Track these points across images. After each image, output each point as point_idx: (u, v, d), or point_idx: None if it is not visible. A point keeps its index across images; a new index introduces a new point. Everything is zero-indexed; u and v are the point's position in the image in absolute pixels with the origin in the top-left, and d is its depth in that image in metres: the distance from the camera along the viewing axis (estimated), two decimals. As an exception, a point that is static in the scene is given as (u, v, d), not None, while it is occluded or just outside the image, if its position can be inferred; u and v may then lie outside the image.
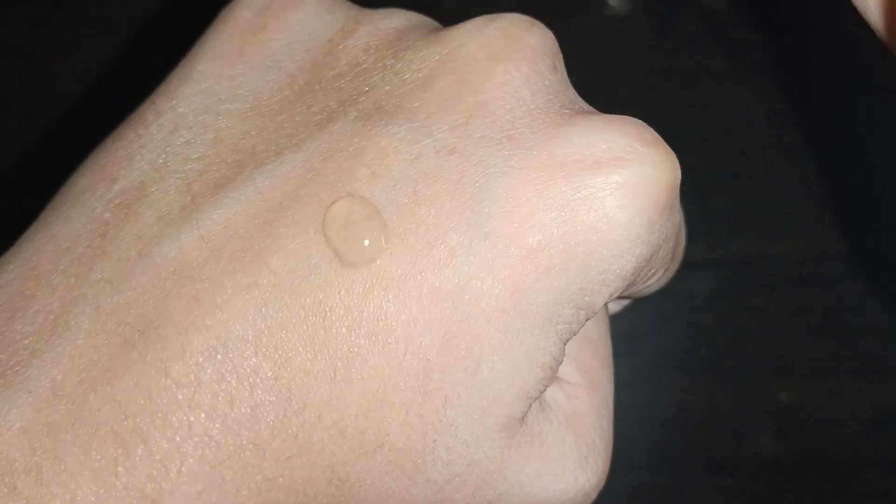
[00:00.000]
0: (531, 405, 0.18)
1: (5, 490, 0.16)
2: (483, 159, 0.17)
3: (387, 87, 0.19)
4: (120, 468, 0.16)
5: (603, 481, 0.20)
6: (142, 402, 0.16)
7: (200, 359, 0.17)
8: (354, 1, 0.22)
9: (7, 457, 0.16)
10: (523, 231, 0.17)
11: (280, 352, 0.17)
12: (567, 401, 0.20)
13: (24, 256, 0.18)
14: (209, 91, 0.19)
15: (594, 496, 0.20)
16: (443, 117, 0.18)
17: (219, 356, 0.17)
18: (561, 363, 0.18)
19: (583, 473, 0.19)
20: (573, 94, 0.19)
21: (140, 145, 0.19)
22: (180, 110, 0.19)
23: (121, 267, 0.17)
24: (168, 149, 0.19)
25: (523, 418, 0.18)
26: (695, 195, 0.31)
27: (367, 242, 0.17)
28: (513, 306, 0.17)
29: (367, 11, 0.21)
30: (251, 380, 0.17)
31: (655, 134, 0.18)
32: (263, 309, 0.17)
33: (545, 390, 0.18)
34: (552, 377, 0.18)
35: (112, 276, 0.17)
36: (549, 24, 0.20)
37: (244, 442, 0.17)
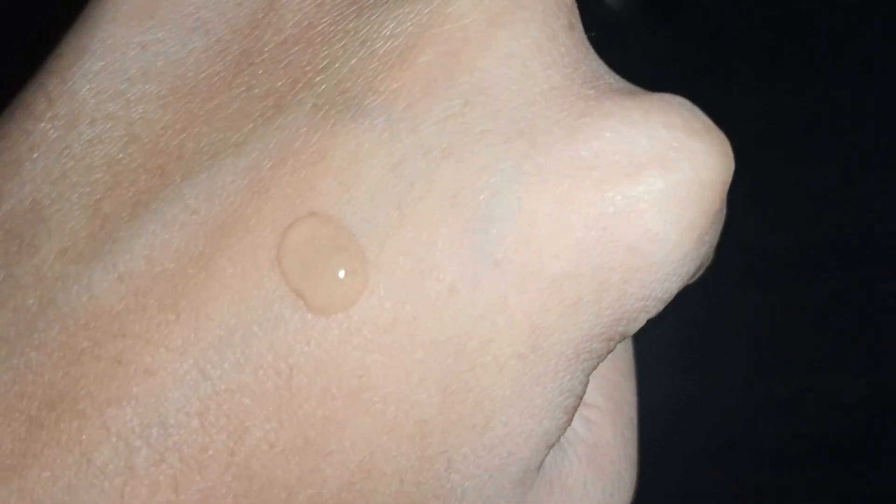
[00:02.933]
0: (549, 450, 0.15)
1: None
2: (488, 163, 0.13)
3: (352, 62, 0.14)
4: None
5: None
6: (60, 496, 0.13)
7: (131, 438, 0.13)
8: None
9: None
10: (543, 257, 0.13)
11: (235, 423, 0.13)
12: (587, 431, 0.17)
13: None
14: (115, 67, 0.15)
15: None
16: (430, 105, 0.14)
17: (154, 432, 0.13)
18: (583, 395, 0.15)
19: None
20: (595, 61, 0.15)
21: (29, 147, 0.14)
22: (79, 96, 0.14)
23: (17, 320, 0.13)
24: (66, 152, 0.14)
25: (540, 466, 0.15)
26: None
27: (340, 278, 0.13)
28: (531, 350, 0.14)
29: None
30: (200, 459, 0.13)
31: (706, 119, 0.14)
32: (209, 369, 0.13)
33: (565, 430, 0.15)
34: (573, 415, 0.15)
35: (6, 333, 0.13)
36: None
37: None
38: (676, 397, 0.33)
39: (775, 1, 0.37)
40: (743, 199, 0.34)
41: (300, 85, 0.14)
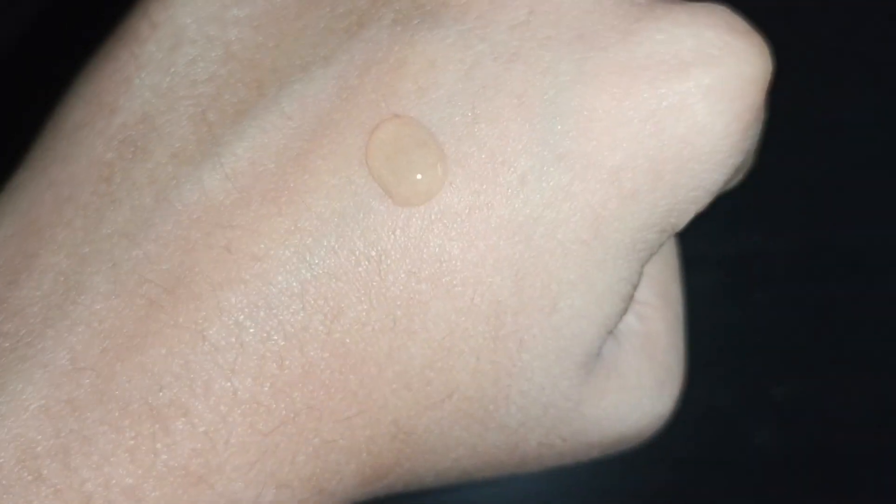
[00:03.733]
0: (607, 337, 0.16)
1: (29, 478, 0.14)
2: (551, 65, 0.15)
3: None
4: (159, 445, 0.14)
5: (678, 402, 0.19)
6: (177, 370, 0.14)
7: (241, 317, 0.14)
8: None
9: (27, 440, 0.14)
10: (603, 149, 0.15)
11: (331, 304, 0.15)
12: (640, 324, 0.18)
13: (20, 208, 0.16)
14: None
15: (668, 418, 0.18)
16: (498, 16, 0.15)
17: (261, 313, 0.14)
18: (637, 286, 0.16)
19: (659, 400, 0.18)
20: None
21: (137, 66, 0.16)
22: (180, 21, 0.16)
23: (135, 216, 0.15)
24: (172, 70, 0.16)
25: (599, 352, 0.17)
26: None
27: (420, 173, 0.15)
28: (593, 236, 0.15)
29: None
30: (301, 337, 0.15)
31: (745, 23, 0.16)
32: (308, 256, 0.15)
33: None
34: (629, 304, 0.16)
35: (126, 227, 0.15)
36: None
37: (298, 405, 0.15)
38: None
39: (774, 3, 0.38)
40: (739, 201, 0.34)
41: (380, 3, 0.16)
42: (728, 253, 0.33)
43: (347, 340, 0.15)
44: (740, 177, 0.18)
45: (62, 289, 0.15)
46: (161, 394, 0.14)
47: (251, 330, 0.14)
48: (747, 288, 0.33)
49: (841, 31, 0.36)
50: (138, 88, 0.16)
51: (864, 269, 0.33)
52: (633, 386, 0.17)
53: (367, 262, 0.15)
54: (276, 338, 0.15)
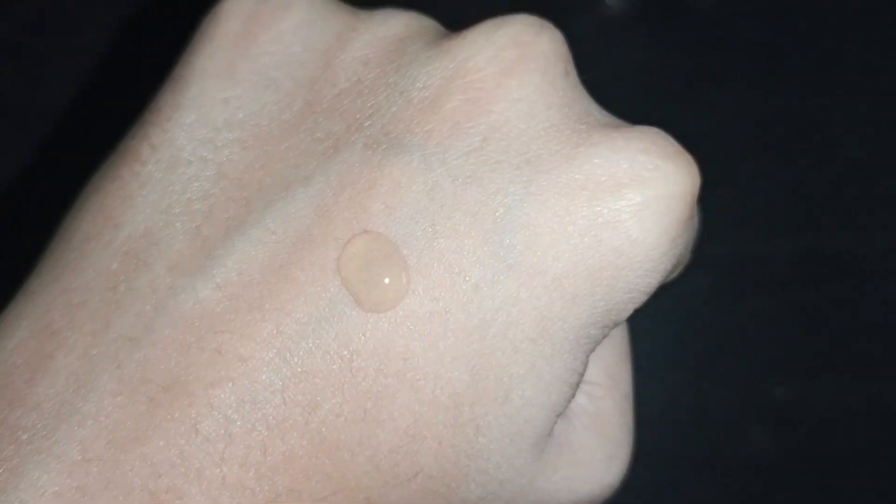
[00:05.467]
0: (558, 419, 0.18)
1: None
2: (502, 187, 0.17)
3: (393, 109, 0.18)
4: None
5: (626, 472, 0.20)
6: (174, 459, 0.16)
7: (229, 412, 0.16)
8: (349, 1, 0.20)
9: None
10: (547, 260, 0.17)
11: (308, 398, 0.17)
12: (590, 403, 0.20)
13: (36, 312, 0.18)
14: (204, 119, 0.18)
15: (617, 487, 0.20)
16: (456, 143, 0.17)
17: (247, 407, 0.16)
18: (584, 373, 0.18)
19: (608, 472, 0.20)
20: (587, 100, 0.18)
21: (139, 185, 0.18)
22: (177, 143, 0.18)
23: (138, 322, 0.17)
24: (170, 188, 0.18)
25: (551, 432, 0.18)
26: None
27: (387, 282, 0.17)
28: (540, 335, 0.17)
29: (363, 15, 0.20)
30: (282, 427, 0.17)
31: (676, 144, 0.18)
32: (288, 357, 0.17)
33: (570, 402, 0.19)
34: (577, 388, 0.18)
35: (130, 332, 0.17)
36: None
37: (280, 488, 0.17)
38: (670, 405, 0.33)
39: (772, 5, 0.38)
40: (736, 205, 0.35)
41: (353, 129, 0.18)
42: (726, 255, 0.34)
43: (323, 430, 0.17)
44: (680, 269, 0.20)
45: (73, 387, 0.17)
46: (160, 480, 0.16)
47: (238, 423, 0.16)
48: (745, 290, 0.34)
49: (837, 37, 0.36)
50: (140, 205, 0.18)
51: (860, 273, 0.34)
52: (584, 460, 0.19)
53: (340, 361, 0.17)
54: (260, 429, 0.16)
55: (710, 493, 0.32)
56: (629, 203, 0.17)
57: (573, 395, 0.18)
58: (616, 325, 0.18)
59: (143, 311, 0.17)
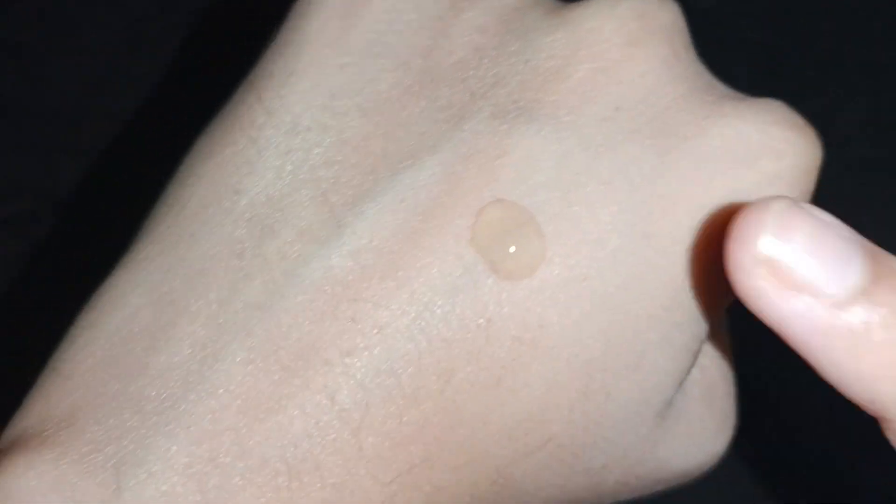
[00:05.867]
0: (678, 389, 0.19)
1: None
2: (636, 156, 0.17)
3: (518, 78, 0.18)
4: (294, 497, 0.16)
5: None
6: (310, 429, 0.16)
7: (366, 381, 0.16)
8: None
9: (176, 496, 0.16)
10: (682, 230, 0.17)
11: (443, 366, 0.16)
12: (701, 375, 0.20)
13: (151, 280, 0.17)
14: (320, 85, 0.18)
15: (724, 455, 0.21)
16: (588, 111, 0.17)
17: (383, 376, 0.16)
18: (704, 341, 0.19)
19: (718, 441, 0.20)
20: (707, 74, 0.19)
21: (257, 151, 0.18)
22: (294, 109, 0.18)
23: (267, 290, 0.17)
24: (291, 155, 0.17)
25: (672, 401, 0.19)
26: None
27: (523, 250, 0.17)
28: (674, 303, 0.17)
29: None
30: (417, 396, 0.16)
31: (801, 118, 0.18)
32: (424, 324, 0.16)
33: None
34: (696, 359, 0.19)
35: (259, 300, 0.16)
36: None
37: (414, 458, 0.17)
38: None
39: (772, 5, 0.38)
40: None
41: (477, 97, 0.18)
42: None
43: (458, 398, 0.17)
44: None
45: (200, 355, 0.16)
46: (295, 450, 0.16)
47: (375, 392, 0.16)
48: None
49: (837, 37, 0.36)
50: (261, 171, 0.17)
51: None
52: (698, 430, 0.20)
53: (475, 329, 0.17)
54: (396, 398, 0.16)
55: (710, 491, 0.33)
56: (763, 174, 0.17)
57: (694, 363, 0.18)
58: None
59: (273, 278, 0.17)
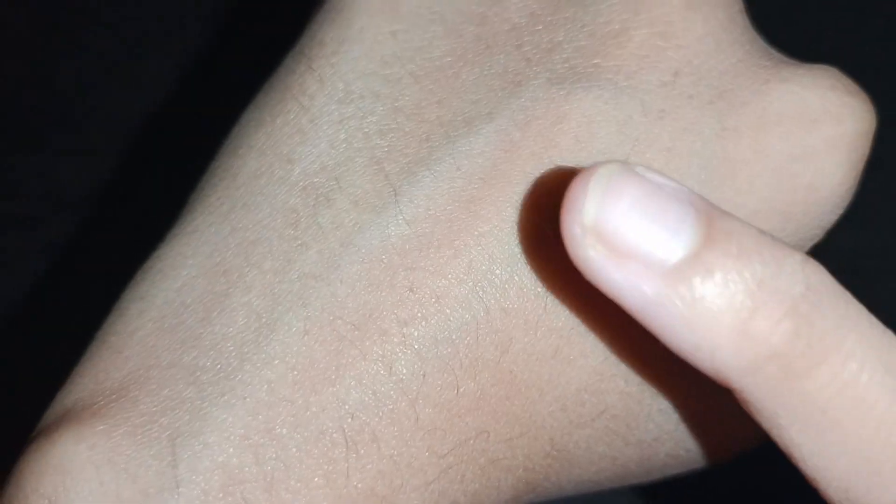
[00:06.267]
0: None
1: (233, 503, 0.15)
2: (696, 121, 0.17)
3: (576, 44, 0.17)
4: (351, 469, 0.16)
5: None
6: (367, 400, 0.16)
7: (423, 351, 0.16)
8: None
9: (231, 467, 0.15)
10: (742, 194, 0.17)
11: (501, 336, 0.16)
12: None
13: (202, 251, 0.17)
14: (372, 53, 0.18)
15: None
16: (647, 76, 0.17)
17: (441, 346, 0.16)
18: None
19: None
20: (759, 38, 0.18)
21: (309, 119, 0.17)
22: (346, 77, 0.17)
23: (323, 259, 0.16)
24: (344, 123, 0.17)
25: None
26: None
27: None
28: None
29: None
30: (474, 367, 0.16)
31: (856, 84, 0.18)
32: (482, 294, 0.16)
33: None
34: None
35: (315, 269, 0.16)
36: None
37: (470, 429, 0.16)
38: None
39: (772, 5, 0.39)
40: None
41: (534, 63, 0.17)
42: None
43: (514, 369, 0.16)
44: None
45: (255, 325, 0.16)
46: (352, 421, 0.16)
47: (432, 362, 0.16)
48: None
49: (837, 37, 0.36)
50: (314, 139, 0.17)
51: (860, 272, 0.32)
52: None
53: (534, 298, 0.16)
54: (453, 368, 0.16)
55: (708, 491, 0.33)
56: (823, 138, 0.17)
57: None
58: None
59: (328, 247, 0.16)
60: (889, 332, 0.13)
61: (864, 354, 0.13)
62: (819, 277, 0.13)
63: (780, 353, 0.13)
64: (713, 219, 0.13)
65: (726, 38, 0.17)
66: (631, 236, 0.13)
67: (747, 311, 0.13)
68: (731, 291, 0.13)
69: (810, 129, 0.17)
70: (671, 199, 0.13)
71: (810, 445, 0.13)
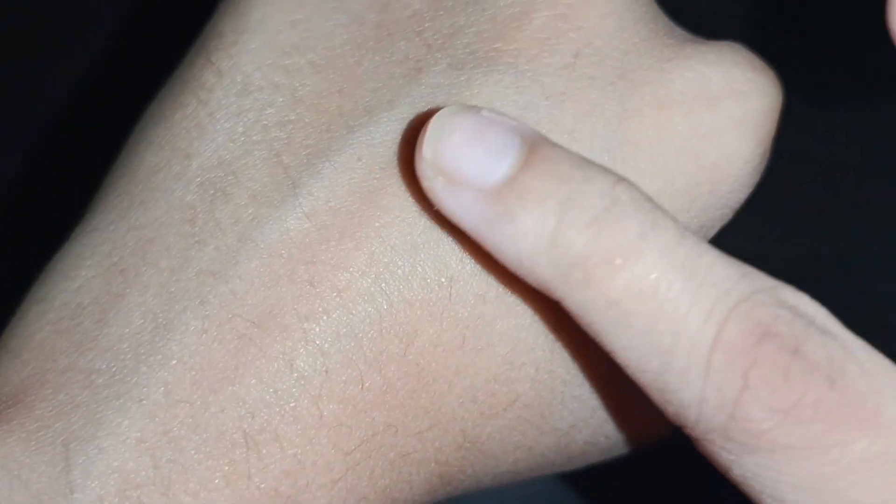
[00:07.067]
0: None
1: None
2: (598, 103, 0.16)
3: (476, 28, 0.17)
4: (252, 469, 0.15)
5: None
6: (268, 398, 0.15)
7: (326, 346, 0.16)
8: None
9: (127, 471, 0.15)
10: (646, 177, 0.16)
11: (406, 328, 0.16)
12: None
13: (101, 250, 0.16)
14: (272, 43, 0.17)
15: None
16: (548, 59, 0.17)
17: (344, 341, 0.16)
18: None
19: None
20: (665, 17, 0.18)
21: (208, 113, 0.17)
22: (245, 69, 0.17)
23: (220, 256, 0.16)
24: (243, 116, 0.17)
25: None
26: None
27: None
28: None
29: None
30: (379, 360, 0.16)
31: (761, 60, 0.17)
32: (384, 286, 0.16)
33: None
34: None
35: (212, 266, 0.16)
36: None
37: (377, 424, 0.16)
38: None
39: (772, 5, 0.38)
40: (738, 210, 0.35)
41: (435, 49, 0.17)
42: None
43: (421, 361, 0.16)
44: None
45: (151, 326, 0.16)
46: (253, 421, 0.15)
47: (335, 357, 0.16)
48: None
49: (838, 38, 0.36)
50: (211, 134, 0.17)
51: (858, 275, 0.34)
52: None
53: (438, 288, 0.16)
54: (357, 363, 0.16)
55: (708, 490, 0.33)
56: (727, 115, 0.17)
57: None
58: None
59: (226, 243, 0.16)
60: (700, 248, 0.14)
61: (664, 264, 0.14)
62: (630, 195, 0.14)
63: (581, 259, 0.14)
64: (536, 146, 0.14)
65: (629, 17, 0.17)
66: (462, 164, 0.14)
67: (554, 223, 0.14)
68: (543, 209, 0.14)
69: (714, 107, 0.17)
70: (499, 130, 0.15)
71: (623, 342, 0.14)
